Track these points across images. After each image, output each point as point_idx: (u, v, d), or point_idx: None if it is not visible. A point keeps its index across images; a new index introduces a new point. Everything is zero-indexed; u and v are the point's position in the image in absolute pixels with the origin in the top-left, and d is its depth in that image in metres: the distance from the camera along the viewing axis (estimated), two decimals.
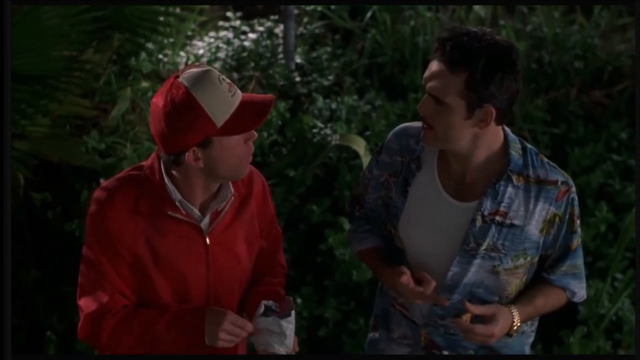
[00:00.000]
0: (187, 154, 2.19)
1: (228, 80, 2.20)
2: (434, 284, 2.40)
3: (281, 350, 2.30)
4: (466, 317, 2.40)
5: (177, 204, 2.27)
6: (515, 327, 2.44)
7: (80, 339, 2.36)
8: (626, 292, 4.16)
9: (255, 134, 2.25)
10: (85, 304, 2.30)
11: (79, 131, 4.36)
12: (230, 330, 2.26)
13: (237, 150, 2.22)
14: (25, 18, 3.74)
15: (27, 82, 3.81)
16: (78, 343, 3.91)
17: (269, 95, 2.26)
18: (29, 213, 4.19)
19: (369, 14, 5.96)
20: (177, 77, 2.19)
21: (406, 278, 2.40)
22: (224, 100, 2.16)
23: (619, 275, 4.29)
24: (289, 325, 2.29)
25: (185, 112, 2.14)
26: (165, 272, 2.31)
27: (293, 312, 2.31)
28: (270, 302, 2.32)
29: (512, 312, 2.43)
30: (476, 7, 6.00)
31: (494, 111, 2.29)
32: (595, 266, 4.37)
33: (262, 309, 2.30)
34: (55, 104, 4.00)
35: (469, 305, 2.38)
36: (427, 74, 2.34)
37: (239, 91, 2.21)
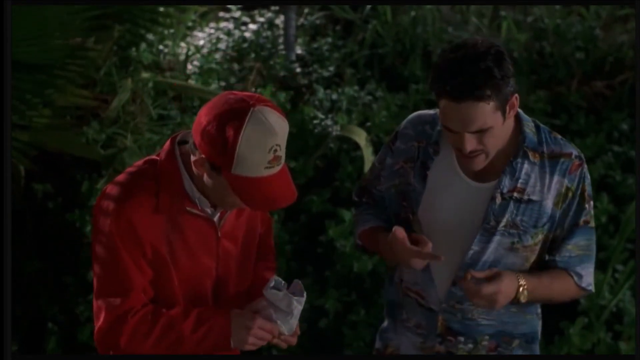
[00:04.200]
0: (199, 156, 2.18)
1: (279, 155, 2.15)
2: (430, 244, 2.42)
3: (283, 329, 2.30)
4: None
5: (195, 200, 2.28)
6: (521, 290, 2.43)
7: (97, 340, 2.31)
8: (627, 283, 4.16)
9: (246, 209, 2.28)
10: (105, 303, 2.26)
11: (79, 122, 4.34)
12: (260, 335, 2.28)
13: (229, 199, 2.21)
14: (24, 7, 3.73)
15: (30, 71, 3.80)
16: (80, 334, 3.91)
17: (292, 197, 2.21)
18: (30, 204, 4.19)
19: (369, 5, 5.95)
20: (257, 104, 2.13)
21: (401, 232, 2.42)
22: (256, 162, 2.13)
23: (619, 267, 4.29)
24: (299, 305, 2.29)
25: (224, 133, 2.11)
26: (181, 267, 2.31)
27: (305, 294, 2.31)
28: (280, 279, 2.32)
29: (517, 276, 2.44)
30: None
31: (517, 96, 2.37)
32: (596, 257, 4.36)
33: (272, 282, 2.30)
34: (58, 94, 3.99)
35: (471, 271, 2.39)
36: (452, 117, 2.32)
37: (276, 170, 2.17)
